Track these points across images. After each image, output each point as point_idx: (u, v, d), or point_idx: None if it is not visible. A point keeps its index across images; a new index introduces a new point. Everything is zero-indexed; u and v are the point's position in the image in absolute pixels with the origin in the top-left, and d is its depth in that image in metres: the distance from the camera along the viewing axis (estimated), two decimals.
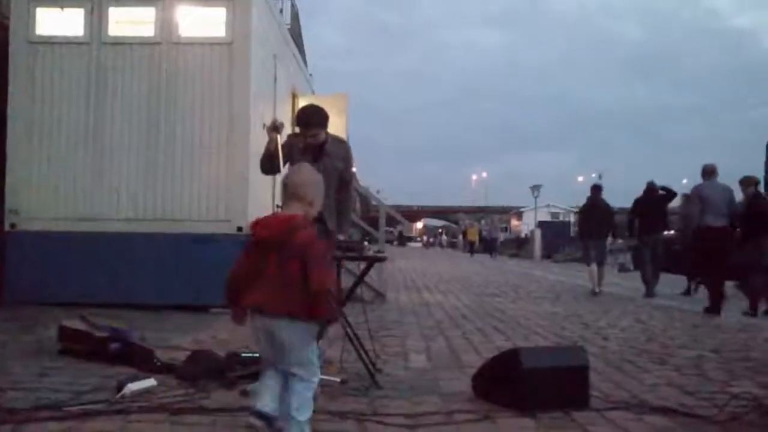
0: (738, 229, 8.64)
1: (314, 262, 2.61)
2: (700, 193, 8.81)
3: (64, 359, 4.50)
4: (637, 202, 11.17)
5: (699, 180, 9.21)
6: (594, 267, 11.29)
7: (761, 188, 9.44)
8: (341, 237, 4.72)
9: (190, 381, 3.88)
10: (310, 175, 2.89)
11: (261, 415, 2.62)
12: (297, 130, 4.81)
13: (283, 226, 2.69)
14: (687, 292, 10.99)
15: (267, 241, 2.68)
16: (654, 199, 10.93)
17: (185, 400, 3.53)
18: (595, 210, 11.52)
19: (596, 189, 11.74)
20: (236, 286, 2.73)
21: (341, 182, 4.80)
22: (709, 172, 9.00)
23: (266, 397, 2.68)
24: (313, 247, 2.66)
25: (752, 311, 8.28)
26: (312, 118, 4.64)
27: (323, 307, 2.62)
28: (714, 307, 8.37)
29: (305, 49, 17.20)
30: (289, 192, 2.82)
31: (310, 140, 4.64)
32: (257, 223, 2.77)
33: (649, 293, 10.62)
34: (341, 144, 4.89)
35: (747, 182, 8.73)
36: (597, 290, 11.08)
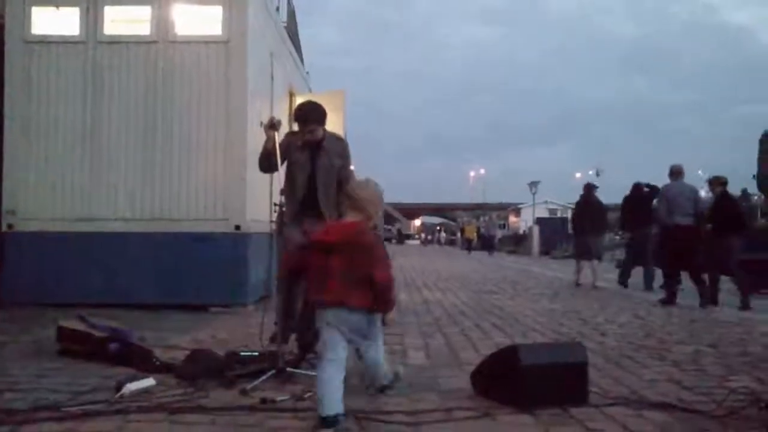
0: (707, 227, 8.97)
1: (379, 262, 3.10)
2: (666, 193, 9.13)
3: (62, 360, 4.50)
4: (626, 199, 11.66)
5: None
6: (583, 262, 12.03)
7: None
8: None
9: (189, 380, 3.88)
10: (375, 193, 3.26)
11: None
12: (295, 127, 4.81)
13: (351, 231, 3.14)
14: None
15: (333, 245, 3.10)
16: (640, 196, 11.36)
17: (184, 399, 3.53)
18: (588, 207, 12.05)
19: (589, 187, 12.27)
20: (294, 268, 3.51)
21: (339, 180, 4.79)
22: (676, 172, 9.29)
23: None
24: (378, 249, 3.17)
25: (742, 304, 8.55)
26: (310, 115, 4.64)
27: (388, 300, 3.16)
28: (708, 300, 8.67)
29: (302, 47, 17.17)
30: (353, 203, 3.21)
31: (307, 137, 4.64)
32: (323, 230, 3.30)
33: (647, 286, 11.03)
34: (338, 141, 4.89)
35: (716, 182, 9.06)
36: (587, 283, 11.63)
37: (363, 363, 3.42)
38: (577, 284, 11.86)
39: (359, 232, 3.13)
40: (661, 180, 11.09)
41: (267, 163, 4.62)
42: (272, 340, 4.55)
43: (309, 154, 4.69)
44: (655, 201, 10.84)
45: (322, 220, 4.70)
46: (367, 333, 3.24)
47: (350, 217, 3.20)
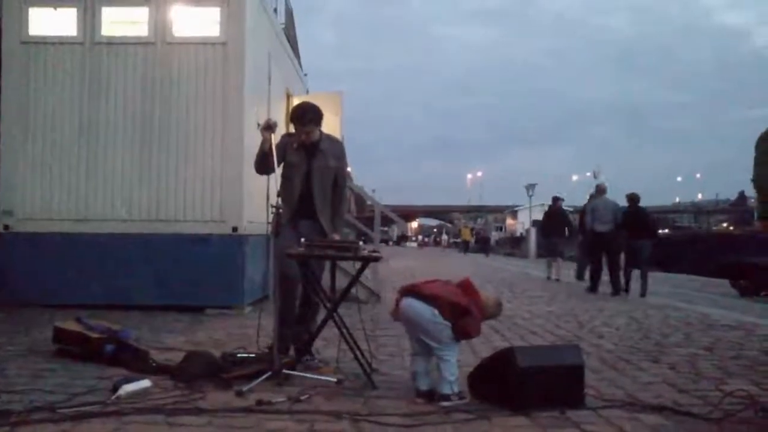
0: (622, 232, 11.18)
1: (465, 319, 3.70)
2: (592, 207, 11.61)
3: (58, 361, 4.49)
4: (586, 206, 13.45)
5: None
6: (550, 260, 14.75)
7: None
8: (336, 236, 4.71)
9: (185, 382, 3.88)
10: (494, 306, 3.96)
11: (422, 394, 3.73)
12: (292, 129, 4.81)
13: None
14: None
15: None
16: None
17: (181, 401, 3.53)
18: (554, 215, 14.65)
19: (555, 199, 15.02)
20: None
21: (335, 181, 4.79)
22: (600, 190, 11.90)
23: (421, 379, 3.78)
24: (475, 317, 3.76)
25: (621, 288, 10.94)
26: (306, 115, 4.63)
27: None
28: (619, 289, 10.92)
29: (300, 48, 17.14)
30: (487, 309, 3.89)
31: (304, 138, 4.64)
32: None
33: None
34: (335, 142, 4.89)
35: (630, 197, 11.37)
36: (553, 278, 14.14)
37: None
38: (549, 278, 14.31)
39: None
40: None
41: (263, 165, 4.61)
42: (270, 348, 4.53)
43: (305, 154, 4.68)
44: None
45: (317, 221, 4.69)
46: (430, 331, 3.70)
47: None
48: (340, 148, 4.90)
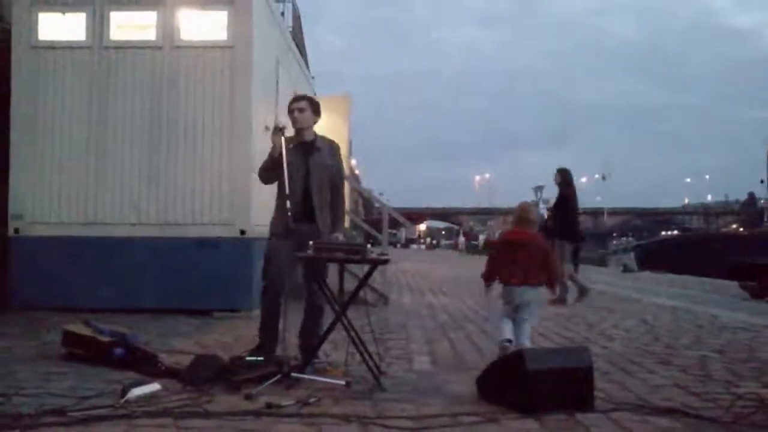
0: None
1: (550, 254, 5.18)
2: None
3: (68, 364, 4.51)
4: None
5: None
6: None
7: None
8: (339, 237, 4.67)
9: (194, 385, 3.88)
10: (537, 213, 4.81)
11: (509, 341, 4.80)
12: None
13: (528, 236, 4.96)
14: None
15: (519, 242, 4.92)
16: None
17: (189, 404, 3.53)
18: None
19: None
20: (493, 271, 4.97)
21: (333, 182, 4.78)
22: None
23: (508, 332, 4.86)
24: (545, 245, 5.26)
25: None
26: (299, 96, 4.72)
27: (556, 276, 5.22)
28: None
29: (307, 52, 17.20)
30: (528, 220, 5.05)
31: (296, 115, 4.65)
32: (510, 234, 5.13)
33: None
34: (331, 143, 4.89)
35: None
36: None
37: (515, 327, 4.87)
38: None
39: (536, 236, 5.07)
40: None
41: (270, 172, 4.62)
42: (252, 352, 4.53)
43: (302, 153, 4.68)
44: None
45: (314, 223, 4.65)
46: (531, 306, 4.93)
47: (528, 228, 5.00)
48: (336, 148, 4.90)
